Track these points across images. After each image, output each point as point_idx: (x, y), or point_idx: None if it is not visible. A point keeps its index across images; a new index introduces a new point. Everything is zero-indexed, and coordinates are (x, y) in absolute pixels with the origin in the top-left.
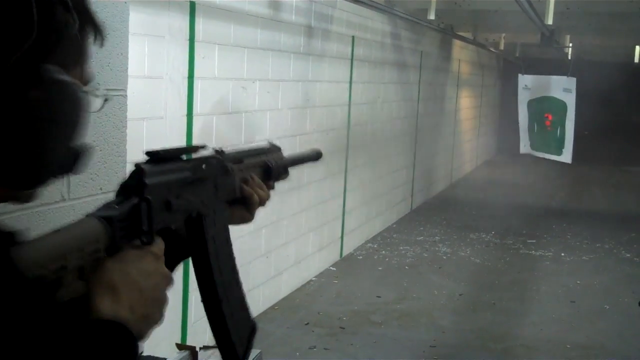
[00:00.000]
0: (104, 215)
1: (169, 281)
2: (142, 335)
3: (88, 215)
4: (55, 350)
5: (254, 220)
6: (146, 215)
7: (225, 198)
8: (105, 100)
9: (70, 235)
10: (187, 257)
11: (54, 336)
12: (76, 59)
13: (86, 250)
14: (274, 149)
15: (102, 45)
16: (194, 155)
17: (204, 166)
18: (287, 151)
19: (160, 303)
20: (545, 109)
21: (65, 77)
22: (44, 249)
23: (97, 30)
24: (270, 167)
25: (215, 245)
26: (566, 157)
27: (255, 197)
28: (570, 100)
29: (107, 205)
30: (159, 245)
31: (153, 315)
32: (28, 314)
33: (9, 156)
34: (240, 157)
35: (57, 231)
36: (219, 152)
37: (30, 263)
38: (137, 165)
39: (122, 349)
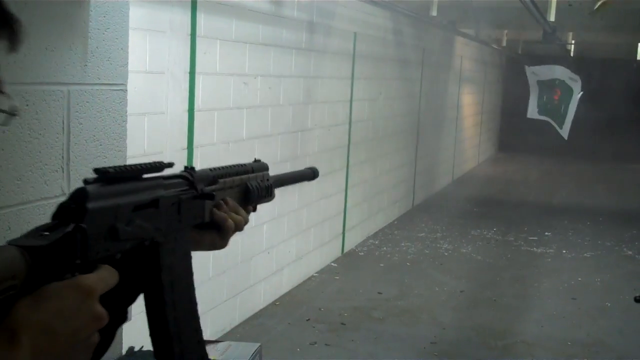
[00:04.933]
0: (26, 245)
1: (99, 322)
2: None
3: (10, 242)
4: None
5: (256, 216)
6: (80, 246)
7: (191, 223)
8: (13, 115)
9: None
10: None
11: None
12: None
13: None
14: (258, 168)
15: (14, 50)
16: (159, 174)
17: (166, 187)
18: (288, 148)
19: (82, 348)
20: (554, 86)
21: None
22: None
23: (9, 35)
24: (249, 188)
25: (171, 275)
26: (564, 132)
27: (229, 223)
28: (576, 88)
29: (37, 231)
30: (91, 280)
31: None
32: None
33: None
34: (215, 176)
35: None
36: (189, 171)
37: None
38: (81, 186)
39: None
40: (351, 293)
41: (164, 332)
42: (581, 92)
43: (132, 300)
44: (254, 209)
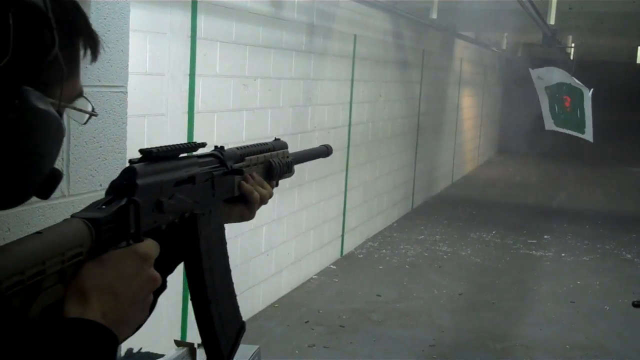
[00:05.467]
0: (89, 217)
1: (154, 284)
2: (118, 337)
3: (73, 216)
4: (19, 348)
5: (255, 218)
6: (134, 218)
7: (223, 197)
8: (91, 116)
9: (50, 239)
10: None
11: (21, 337)
12: (61, 76)
13: (67, 255)
14: (279, 146)
15: (94, 59)
16: (193, 153)
17: (200, 165)
18: (289, 149)
19: (140, 307)
20: (563, 92)
21: (40, 104)
22: (20, 254)
23: (91, 44)
24: (272, 165)
25: (208, 244)
26: (588, 135)
27: (255, 196)
28: (584, 87)
29: (95, 205)
30: (146, 247)
31: (131, 319)
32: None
33: None
34: (242, 154)
35: (38, 233)
36: (219, 150)
37: (6, 269)
38: (130, 165)
39: (91, 343)
40: (350, 295)
41: (202, 297)
42: (592, 90)
43: (171, 270)
44: (276, 185)
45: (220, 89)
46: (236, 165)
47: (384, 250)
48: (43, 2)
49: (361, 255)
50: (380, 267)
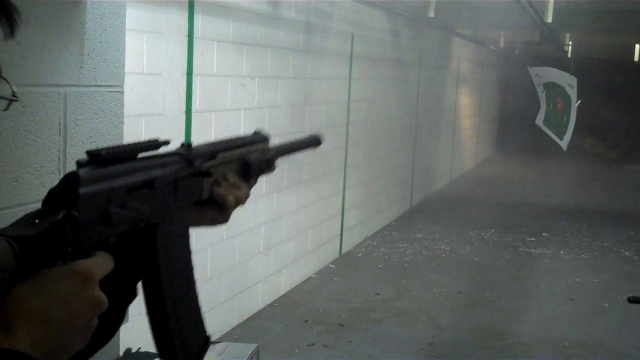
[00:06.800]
0: (14, 235)
1: (98, 307)
2: None
3: None
4: None
5: (254, 217)
6: (71, 234)
7: (189, 201)
8: (11, 101)
9: None
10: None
11: None
12: None
13: None
14: (258, 140)
15: (12, 35)
16: (155, 153)
17: (162, 166)
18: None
19: (80, 334)
20: (557, 94)
21: None
22: None
23: (5, 20)
24: (248, 162)
25: (168, 256)
26: (564, 144)
27: (229, 199)
28: (574, 96)
29: (26, 219)
30: (89, 264)
31: (68, 348)
32: None
33: None
34: (213, 151)
35: None
36: (186, 148)
37: None
38: (72, 170)
39: None
40: (349, 294)
41: (160, 312)
42: (579, 101)
43: (139, 278)
44: (254, 183)
45: (218, 88)
46: (207, 164)
47: (382, 249)
48: None
49: (360, 254)
50: (379, 266)
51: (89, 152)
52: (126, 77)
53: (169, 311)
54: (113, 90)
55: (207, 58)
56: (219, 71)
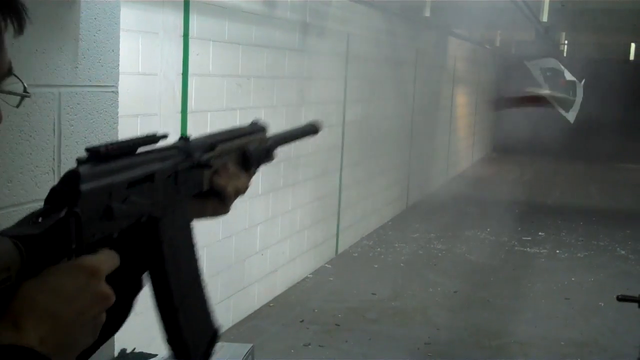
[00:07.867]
0: (19, 235)
1: (105, 301)
2: None
3: (1, 233)
4: None
5: (250, 217)
6: (74, 232)
7: (190, 193)
8: (23, 97)
9: None
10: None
11: None
12: None
13: None
14: (256, 130)
15: (20, 32)
16: (154, 147)
17: (162, 159)
18: (282, 149)
19: (88, 329)
20: (560, 76)
21: None
22: None
23: (14, 14)
24: (247, 152)
25: (172, 248)
26: (571, 116)
27: (229, 190)
28: (577, 77)
29: (30, 219)
30: (95, 260)
31: (77, 342)
32: None
33: None
34: (212, 143)
35: None
36: (184, 141)
37: None
38: (72, 169)
39: None
40: (345, 294)
41: (168, 305)
42: (584, 80)
43: (144, 270)
44: (254, 173)
45: (214, 88)
46: (206, 156)
47: (378, 249)
48: None
49: (356, 254)
50: (375, 266)
51: (88, 149)
52: (122, 77)
53: (177, 303)
54: (107, 90)
55: (202, 58)
56: (214, 71)
